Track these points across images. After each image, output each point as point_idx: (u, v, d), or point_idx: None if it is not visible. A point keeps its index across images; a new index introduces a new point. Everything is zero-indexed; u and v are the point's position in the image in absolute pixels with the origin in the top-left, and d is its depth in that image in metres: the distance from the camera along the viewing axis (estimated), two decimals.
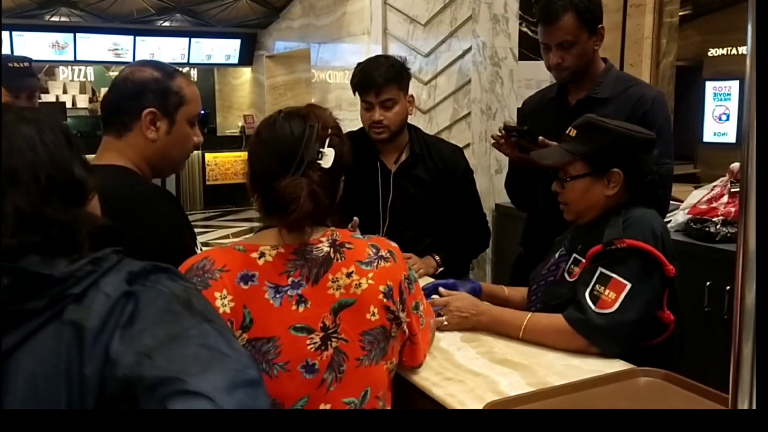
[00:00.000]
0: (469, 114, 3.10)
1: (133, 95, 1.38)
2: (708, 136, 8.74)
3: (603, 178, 1.55)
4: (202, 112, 8.05)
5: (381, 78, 2.09)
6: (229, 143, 9.20)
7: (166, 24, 8.91)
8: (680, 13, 6.01)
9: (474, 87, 3.04)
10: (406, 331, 1.26)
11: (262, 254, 1.17)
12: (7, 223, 0.70)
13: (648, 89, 2.04)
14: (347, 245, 1.21)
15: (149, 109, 1.38)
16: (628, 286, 1.44)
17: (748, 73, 0.55)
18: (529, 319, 1.55)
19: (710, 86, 8.40)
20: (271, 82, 9.26)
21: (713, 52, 8.85)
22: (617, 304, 1.44)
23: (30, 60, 2.32)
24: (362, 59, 4.02)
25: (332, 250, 1.19)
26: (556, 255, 1.69)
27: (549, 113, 2.09)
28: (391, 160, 2.25)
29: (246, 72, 10.00)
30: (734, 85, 7.64)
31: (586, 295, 1.48)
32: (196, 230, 1.59)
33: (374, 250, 1.23)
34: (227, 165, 9.12)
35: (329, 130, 1.20)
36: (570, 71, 1.97)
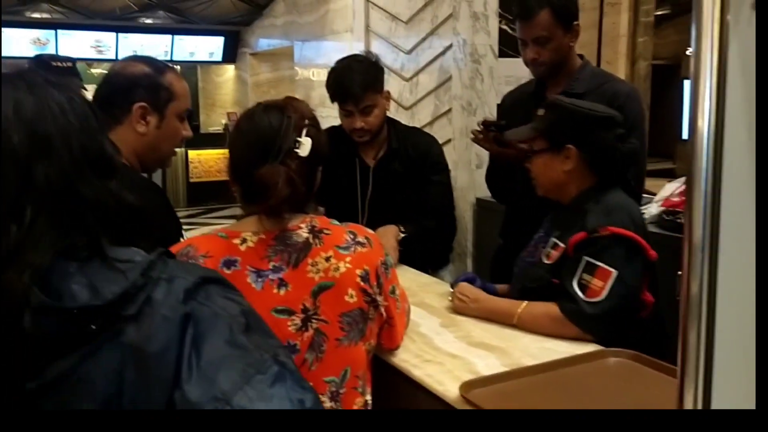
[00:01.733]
0: (450, 110, 3.16)
1: (125, 89, 1.43)
2: (686, 134, 8.85)
3: (560, 154, 1.61)
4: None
5: (358, 87, 2.12)
6: (213, 141, 9.19)
7: (149, 21, 8.88)
8: (659, 13, 6.10)
9: (455, 84, 3.10)
10: (384, 313, 1.32)
11: (244, 240, 1.22)
12: (38, 200, 0.64)
13: (622, 85, 2.11)
14: (325, 231, 1.26)
15: (140, 104, 1.42)
16: (614, 273, 1.49)
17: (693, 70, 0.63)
18: (523, 308, 1.59)
19: (688, 85, 8.53)
20: (254, 79, 9.28)
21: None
22: (605, 292, 1.48)
23: (74, 60, 2.40)
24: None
25: (311, 235, 1.24)
26: (535, 237, 1.76)
27: (527, 108, 2.15)
28: (370, 155, 2.30)
29: (229, 69, 10.00)
30: None
31: (574, 284, 1.52)
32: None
33: (351, 236, 1.28)
34: (210, 162, 9.13)
35: (306, 121, 1.24)
36: (546, 66, 2.03)
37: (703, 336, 0.61)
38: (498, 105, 2.44)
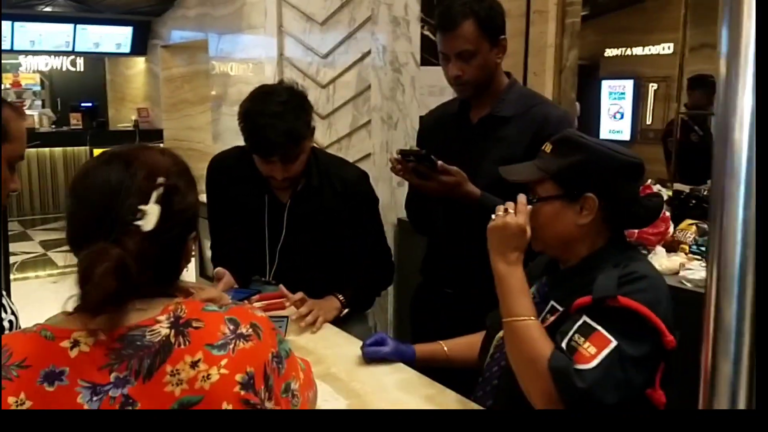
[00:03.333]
0: (369, 122, 2.93)
1: None
2: (604, 133, 9.06)
3: (575, 203, 1.31)
4: (90, 104, 7.43)
5: (285, 139, 1.77)
6: (122, 138, 8.60)
7: (48, 9, 8.20)
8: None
9: (374, 93, 2.87)
10: None
11: (76, 343, 0.90)
12: None
13: (553, 109, 1.92)
14: (194, 323, 0.94)
15: None
16: (613, 343, 1.17)
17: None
18: (531, 322, 1.26)
19: (606, 85, 8.69)
20: (166, 73, 8.73)
21: (609, 52, 9.15)
22: (596, 361, 1.16)
23: None
24: (264, 55, 3.65)
25: (173, 331, 0.92)
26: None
27: (450, 131, 1.94)
28: (283, 193, 1.98)
29: (140, 62, 9.41)
30: (628, 84, 7.91)
31: (563, 344, 1.21)
32: None
33: (232, 327, 0.96)
34: None
35: (159, 180, 0.93)
36: (471, 85, 1.82)
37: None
38: (419, 127, 2.21)
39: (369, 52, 2.90)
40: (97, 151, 8.60)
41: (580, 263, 1.34)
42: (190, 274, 2.18)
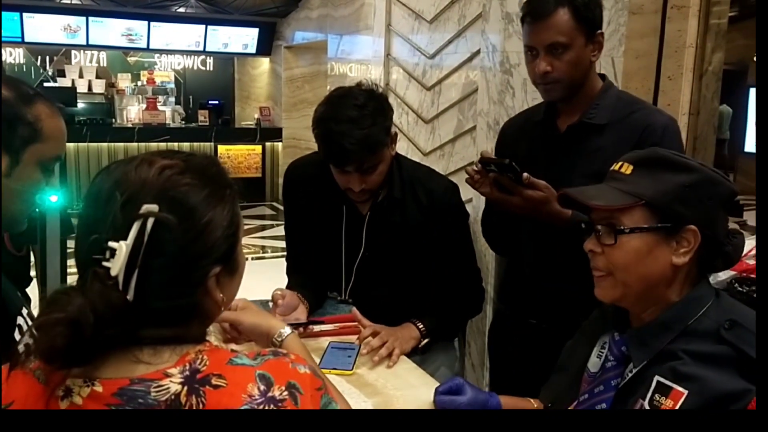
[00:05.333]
0: (474, 128, 2.68)
1: None
2: (750, 146, 8.20)
3: (672, 237, 1.06)
4: (216, 102, 7.68)
5: (358, 148, 1.59)
6: (244, 136, 8.90)
7: (182, 10, 8.60)
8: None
9: (481, 97, 2.61)
10: None
11: (68, 391, 0.74)
12: None
13: (657, 116, 1.61)
14: (214, 381, 0.73)
15: None
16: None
17: None
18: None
19: (755, 93, 7.89)
20: (288, 73, 8.91)
21: None
22: None
23: None
24: (371, 55, 3.45)
25: (185, 389, 0.73)
26: (596, 368, 1.16)
27: (534, 141, 1.68)
28: (363, 204, 1.78)
29: (265, 62, 9.68)
30: None
31: (645, 404, 1.03)
32: None
33: (263, 387, 0.74)
34: (240, 158, 8.83)
35: (142, 208, 0.72)
36: (562, 85, 1.56)
37: None
38: (498, 136, 1.93)
39: (478, 52, 2.65)
40: (221, 148, 8.97)
41: (668, 316, 1.06)
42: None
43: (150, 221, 0.72)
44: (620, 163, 1.12)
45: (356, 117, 1.59)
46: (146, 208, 0.73)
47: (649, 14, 2.37)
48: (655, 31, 2.44)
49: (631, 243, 1.06)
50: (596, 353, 1.16)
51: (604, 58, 2.34)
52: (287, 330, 1.25)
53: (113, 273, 0.71)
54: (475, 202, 2.49)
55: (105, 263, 0.71)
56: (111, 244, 0.71)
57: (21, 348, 0.86)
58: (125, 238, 0.71)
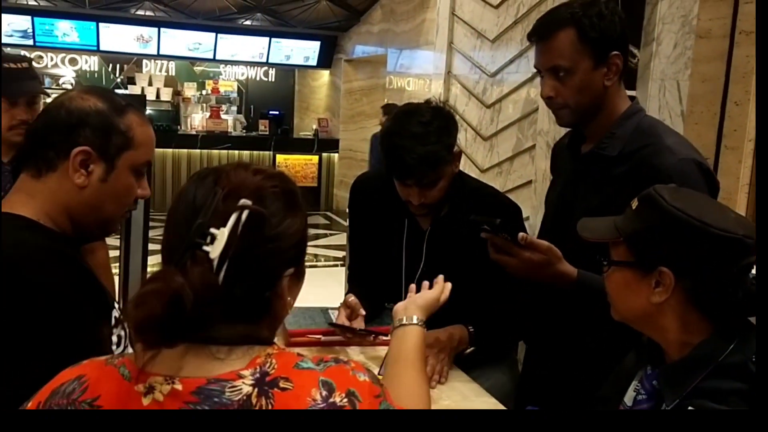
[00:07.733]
0: (533, 147, 2.70)
1: (65, 128, 1.10)
2: None
3: (649, 276, 1.07)
4: (276, 112, 7.85)
5: (420, 163, 1.59)
6: (302, 146, 9.08)
7: (247, 23, 8.88)
8: None
9: (541, 116, 2.63)
10: None
11: (151, 389, 0.79)
12: None
13: (665, 156, 1.39)
14: (282, 384, 0.78)
15: (82, 148, 1.09)
16: None
17: None
18: None
19: (755, 94, 7.56)
20: (347, 86, 9.07)
21: None
22: None
23: (29, 60, 2.06)
24: (432, 71, 3.46)
25: (256, 390, 0.77)
26: (631, 402, 1.17)
27: (563, 165, 1.64)
28: (424, 219, 1.80)
29: (325, 75, 9.88)
30: None
31: None
32: None
33: (325, 392, 0.79)
34: (297, 168, 9.00)
35: (240, 201, 0.80)
36: (570, 111, 1.45)
37: None
38: (551, 155, 1.86)
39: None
40: (279, 158, 9.15)
41: (696, 354, 1.06)
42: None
43: (245, 213, 0.79)
44: (634, 199, 1.12)
45: (420, 133, 1.61)
46: (243, 201, 0.80)
47: (717, 38, 2.35)
48: (722, 55, 2.41)
49: (614, 275, 1.12)
50: (633, 387, 1.16)
51: (669, 81, 2.33)
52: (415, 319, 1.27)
53: (212, 256, 0.77)
54: (531, 221, 2.51)
55: (205, 247, 0.78)
56: (212, 230, 0.78)
57: (114, 339, 0.92)
58: (225, 226, 0.78)
